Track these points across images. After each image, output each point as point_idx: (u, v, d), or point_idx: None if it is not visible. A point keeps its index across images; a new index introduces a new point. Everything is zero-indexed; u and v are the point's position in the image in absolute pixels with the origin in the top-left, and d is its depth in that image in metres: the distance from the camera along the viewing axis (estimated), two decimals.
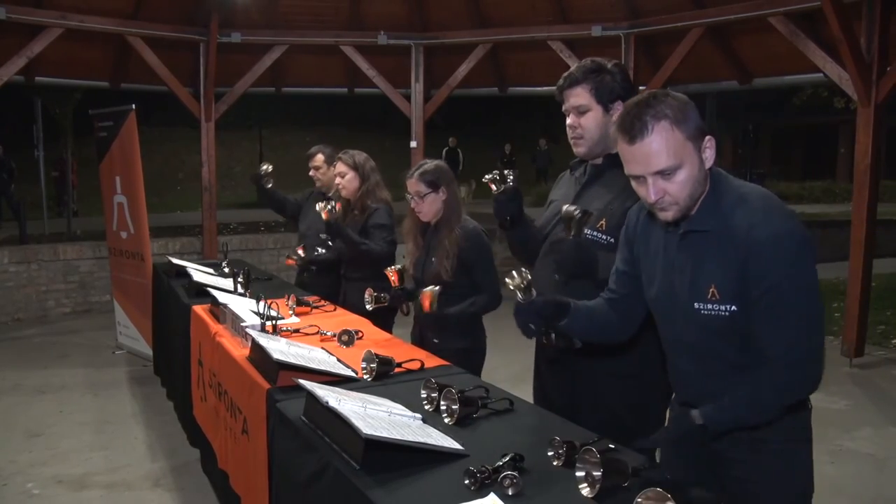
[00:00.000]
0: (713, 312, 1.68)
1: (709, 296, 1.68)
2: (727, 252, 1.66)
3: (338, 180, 3.93)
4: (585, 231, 2.22)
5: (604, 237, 2.22)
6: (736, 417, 1.68)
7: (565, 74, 2.30)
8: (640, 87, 7.66)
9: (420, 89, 8.29)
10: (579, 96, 2.27)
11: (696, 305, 1.71)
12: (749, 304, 1.64)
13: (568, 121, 2.31)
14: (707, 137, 1.67)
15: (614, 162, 2.31)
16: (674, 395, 1.96)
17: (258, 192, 4.50)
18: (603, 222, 2.22)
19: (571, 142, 2.34)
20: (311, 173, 4.46)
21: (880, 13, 5.74)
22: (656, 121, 1.62)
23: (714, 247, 1.68)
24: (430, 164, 3.11)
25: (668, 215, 1.70)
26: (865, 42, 5.78)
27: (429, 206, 3.04)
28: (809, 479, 1.78)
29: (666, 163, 1.63)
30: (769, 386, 1.66)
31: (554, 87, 2.36)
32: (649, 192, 1.66)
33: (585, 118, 2.28)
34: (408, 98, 8.36)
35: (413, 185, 3.04)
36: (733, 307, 1.66)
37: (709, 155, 1.68)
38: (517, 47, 8.43)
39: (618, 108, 2.28)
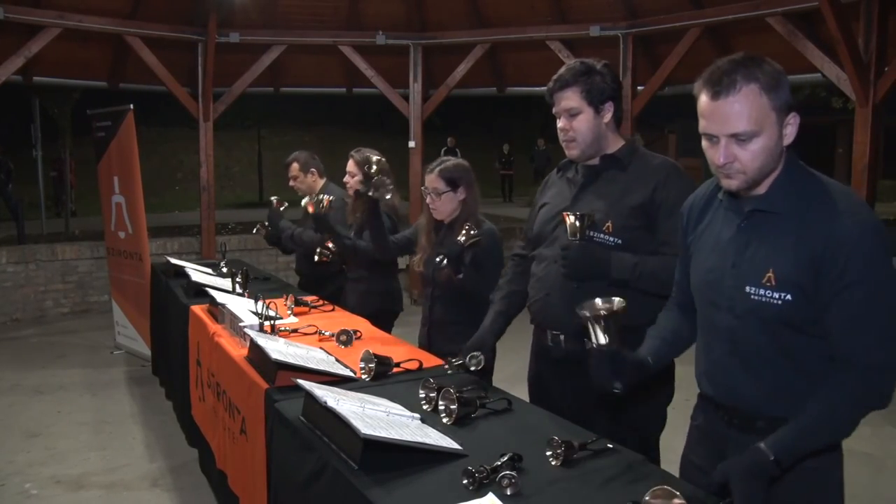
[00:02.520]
0: (764, 299, 1.60)
1: (763, 280, 1.59)
2: (797, 238, 1.57)
3: (346, 178, 3.88)
4: (592, 234, 2.22)
5: (611, 239, 2.22)
6: (810, 441, 1.53)
7: (554, 77, 2.29)
8: (639, 87, 7.69)
9: (418, 89, 8.29)
10: (570, 99, 2.26)
11: (747, 289, 1.62)
12: (804, 297, 1.55)
13: (559, 124, 2.31)
14: (792, 113, 1.59)
15: (611, 163, 2.32)
16: (699, 393, 1.86)
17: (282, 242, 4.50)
18: (609, 225, 2.22)
19: (564, 145, 2.34)
20: (290, 183, 4.46)
21: (878, 13, 5.74)
22: (746, 82, 1.54)
23: (781, 230, 1.60)
24: (452, 161, 3.03)
25: (732, 183, 1.61)
26: (863, 42, 5.78)
27: (444, 205, 2.97)
28: (840, 501, 1.68)
29: (745, 127, 1.54)
30: (846, 397, 1.53)
31: None
32: (719, 153, 1.58)
33: (577, 121, 2.27)
34: (406, 98, 8.35)
35: (432, 180, 2.97)
36: (787, 296, 1.57)
37: (790, 132, 1.59)
38: (515, 47, 8.43)
39: (609, 109, 2.29)
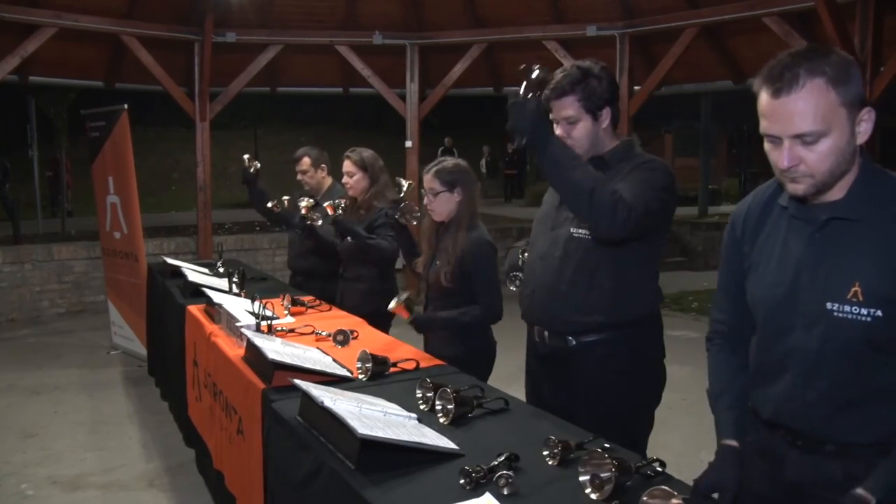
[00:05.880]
0: (850, 316, 1.44)
1: (849, 295, 1.44)
2: (885, 248, 1.42)
3: (345, 179, 3.88)
4: (572, 230, 2.25)
5: (588, 233, 2.23)
6: None
7: (551, 85, 2.24)
8: (635, 87, 7.70)
9: (415, 89, 8.29)
10: (568, 108, 2.24)
11: (828, 306, 1.46)
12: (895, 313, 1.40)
13: (557, 131, 2.28)
14: (866, 109, 1.43)
15: (598, 165, 2.28)
16: (757, 419, 1.69)
17: (251, 192, 4.56)
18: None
19: None
20: (298, 177, 4.45)
21: (873, 13, 5.77)
22: (811, 76, 1.38)
23: (865, 240, 1.44)
24: (451, 162, 3.02)
25: (798, 188, 1.46)
26: (859, 42, 5.80)
27: (441, 205, 2.95)
28: None
29: (811, 126, 1.39)
30: None
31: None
32: (783, 156, 1.43)
33: (576, 129, 2.26)
34: (403, 98, 8.36)
35: (428, 181, 2.96)
36: (878, 312, 1.41)
37: (864, 129, 1.44)
38: (512, 47, 8.43)
39: (606, 115, 2.27)
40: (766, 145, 1.47)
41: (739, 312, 1.70)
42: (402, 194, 3.12)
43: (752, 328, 1.68)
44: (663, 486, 1.41)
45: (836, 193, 1.49)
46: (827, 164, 1.43)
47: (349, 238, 3.69)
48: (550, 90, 2.26)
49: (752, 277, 1.63)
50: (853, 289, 1.44)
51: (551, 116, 2.30)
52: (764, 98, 1.44)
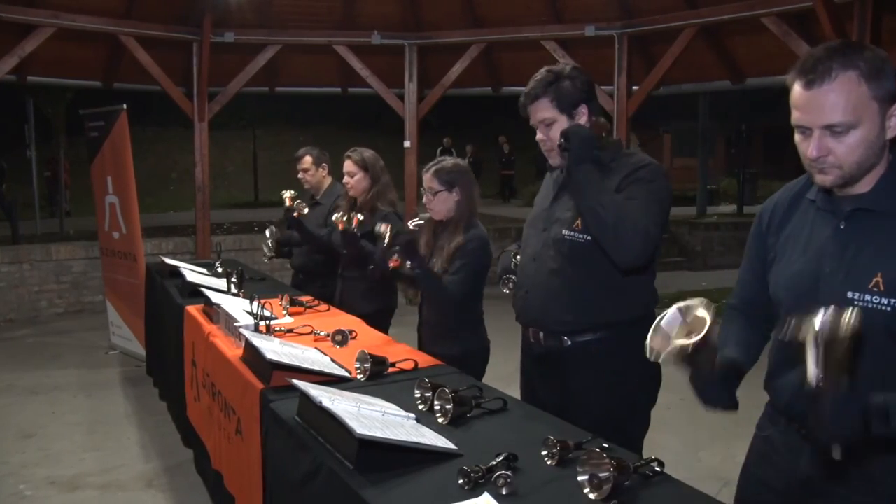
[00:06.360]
0: (870, 305, 1.45)
1: (870, 285, 1.46)
2: None
3: (346, 179, 3.88)
4: (564, 232, 2.27)
5: (580, 236, 2.25)
6: None
7: (525, 91, 2.31)
8: (634, 87, 7.71)
9: (413, 89, 8.29)
10: (543, 110, 2.28)
11: (849, 295, 1.48)
12: None
13: (538, 135, 2.33)
14: None
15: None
16: (768, 402, 1.73)
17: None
18: (578, 222, 2.25)
19: (545, 154, 2.37)
20: (299, 175, 4.47)
21: (871, 13, 5.78)
22: (843, 69, 1.41)
23: (890, 231, 1.48)
24: (450, 161, 3.06)
25: (826, 179, 1.49)
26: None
27: (439, 204, 2.99)
28: None
29: (840, 118, 1.42)
30: None
31: None
32: (812, 146, 1.46)
33: (553, 130, 2.29)
34: (401, 98, 8.36)
35: (427, 179, 2.99)
36: None
37: (895, 124, 1.46)
38: (511, 47, 8.44)
39: (582, 113, 2.30)
40: (797, 136, 1.50)
41: (754, 300, 1.76)
42: (385, 241, 3.01)
43: (766, 312, 1.72)
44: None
45: (864, 186, 1.51)
46: (855, 156, 1.45)
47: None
48: (525, 96, 2.31)
49: (776, 268, 1.66)
50: (875, 279, 1.46)
51: (531, 122, 2.35)
52: (796, 89, 1.47)
